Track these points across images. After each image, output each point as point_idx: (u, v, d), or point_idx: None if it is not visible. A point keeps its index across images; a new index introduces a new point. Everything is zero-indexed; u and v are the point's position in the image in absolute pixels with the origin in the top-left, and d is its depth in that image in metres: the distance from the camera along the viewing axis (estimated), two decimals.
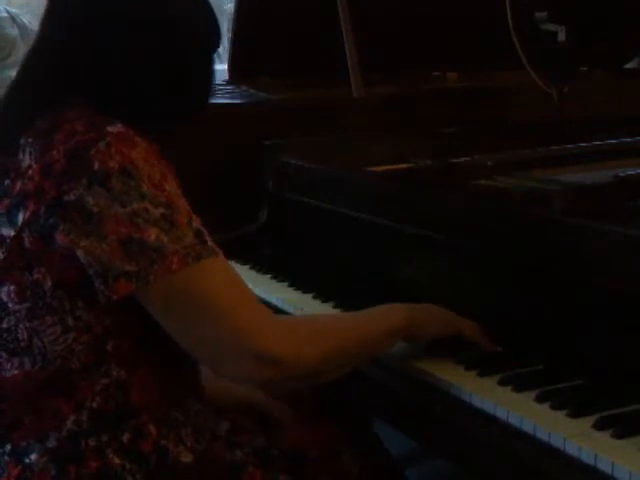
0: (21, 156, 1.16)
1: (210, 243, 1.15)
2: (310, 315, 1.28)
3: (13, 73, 3.29)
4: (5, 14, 3.07)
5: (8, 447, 1.19)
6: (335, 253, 1.73)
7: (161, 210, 1.12)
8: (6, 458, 1.19)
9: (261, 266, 1.83)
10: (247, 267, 1.84)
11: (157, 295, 1.13)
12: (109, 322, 1.17)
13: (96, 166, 1.11)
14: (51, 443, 1.17)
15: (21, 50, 3.07)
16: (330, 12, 2.11)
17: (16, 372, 1.18)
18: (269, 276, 1.78)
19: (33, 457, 1.17)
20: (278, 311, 1.62)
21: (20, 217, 1.14)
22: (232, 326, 1.13)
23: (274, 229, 1.94)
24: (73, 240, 1.11)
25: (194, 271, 1.12)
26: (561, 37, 2.04)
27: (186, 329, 1.15)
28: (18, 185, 1.15)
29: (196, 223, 1.15)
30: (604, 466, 1.04)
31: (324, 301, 1.60)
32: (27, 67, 1.27)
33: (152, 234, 1.11)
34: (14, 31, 3.05)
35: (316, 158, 1.86)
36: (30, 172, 1.14)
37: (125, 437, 1.19)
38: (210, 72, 1.31)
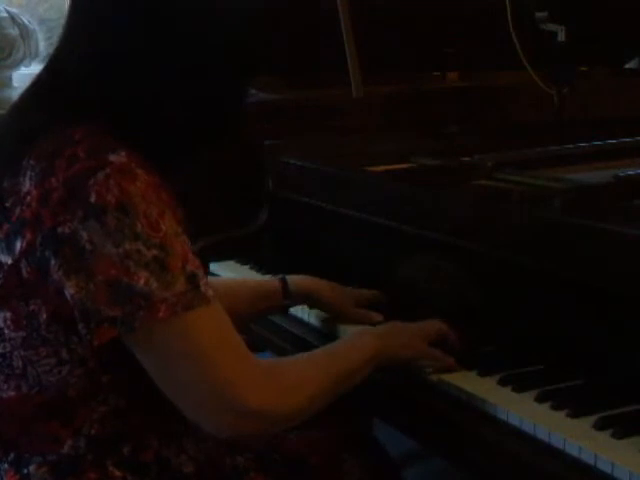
0: (22, 179, 1.11)
1: (203, 289, 1.10)
2: (290, 359, 1.26)
3: (13, 73, 3.27)
4: (5, 14, 3.06)
5: (11, 455, 1.18)
6: (335, 253, 1.73)
7: (154, 252, 1.07)
8: (6, 466, 1.18)
9: (261, 266, 1.82)
10: (247, 267, 1.84)
11: (141, 341, 1.09)
12: (104, 357, 1.13)
13: (93, 199, 1.06)
14: (51, 457, 1.16)
15: (21, 50, 3.06)
16: (330, 12, 2.11)
17: (12, 394, 1.16)
18: (269, 276, 1.77)
19: (31, 468, 1.16)
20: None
21: (18, 245, 1.10)
22: (214, 382, 1.10)
23: (274, 229, 1.94)
24: (62, 277, 1.08)
25: (181, 321, 1.08)
26: (561, 37, 2.04)
27: (168, 379, 1.11)
28: (17, 211, 1.11)
29: (191, 266, 1.10)
30: (604, 466, 1.04)
31: None
32: (37, 83, 1.21)
33: (141, 278, 1.06)
34: (14, 31, 3.05)
35: (316, 158, 1.86)
36: (29, 198, 1.10)
37: (126, 449, 1.18)
38: (240, 92, 1.25)
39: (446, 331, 1.34)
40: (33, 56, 3.10)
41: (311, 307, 1.57)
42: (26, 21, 3.13)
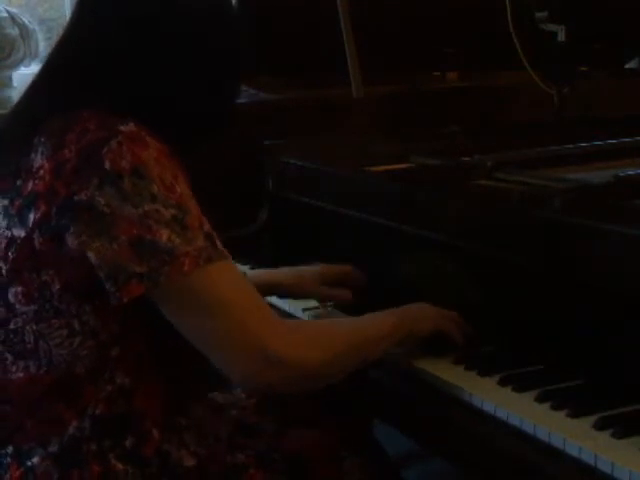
0: (33, 156, 1.16)
1: (220, 247, 1.15)
2: (311, 320, 1.30)
3: (13, 73, 3.27)
4: (5, 14, 3.06)
5: (10, 449, 1.19)
6: (335, 253, 1.73)
7: (172, 211, 1.11)
8: (8, 459, 1.19)
9: (261, 266, 1.82)
10: (247, 267, 1.84)
11: (168, 296, 1.13)
12: (115, 329, 1.16)
13: (107, 166, 1.10)
14: (53, 447, 1.17)
15: (21, 50, 3.06)
16: (330, 12, 2.11)
17: (21, 375, 1.18)
18: None
19: (35, 460, 1.17)
20: (278, 310, 1.63)
21: (31, 218, 1.14)
22: (242, 328, 1.13)
23: (274, 229, 1.94)
24: (84, 242, 1.11)
25: (206, 273, 1.12)
26: (561, 37, 2.04)
27: (198, 330, 1.14)
28: (29, 185, 1.15)
29: (207, 227, 1.15)
30: (604, 466, 1.04)
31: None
32: (47, 68, 1.26)
33: (163, 235, 1.10)
34: (14, 31, 3.05)
35: (316, 158, 1.86)
36: (41, 172, 1.14)
37: (128, 442, 1.19)
38: (235, 85, 1.32)
39: (460, 319, 1.37)
40: (33, 56, 3.10)
41: (280, 297, 1.59)
42: (26, 21, 3.13)
